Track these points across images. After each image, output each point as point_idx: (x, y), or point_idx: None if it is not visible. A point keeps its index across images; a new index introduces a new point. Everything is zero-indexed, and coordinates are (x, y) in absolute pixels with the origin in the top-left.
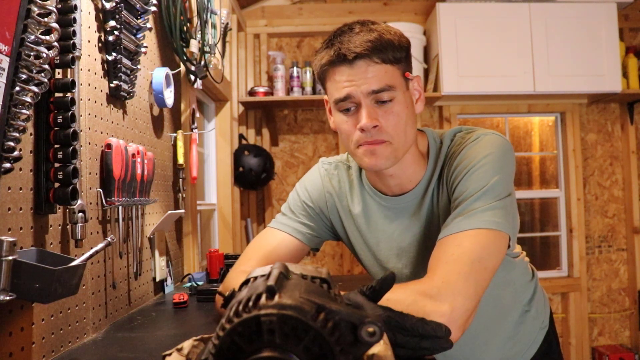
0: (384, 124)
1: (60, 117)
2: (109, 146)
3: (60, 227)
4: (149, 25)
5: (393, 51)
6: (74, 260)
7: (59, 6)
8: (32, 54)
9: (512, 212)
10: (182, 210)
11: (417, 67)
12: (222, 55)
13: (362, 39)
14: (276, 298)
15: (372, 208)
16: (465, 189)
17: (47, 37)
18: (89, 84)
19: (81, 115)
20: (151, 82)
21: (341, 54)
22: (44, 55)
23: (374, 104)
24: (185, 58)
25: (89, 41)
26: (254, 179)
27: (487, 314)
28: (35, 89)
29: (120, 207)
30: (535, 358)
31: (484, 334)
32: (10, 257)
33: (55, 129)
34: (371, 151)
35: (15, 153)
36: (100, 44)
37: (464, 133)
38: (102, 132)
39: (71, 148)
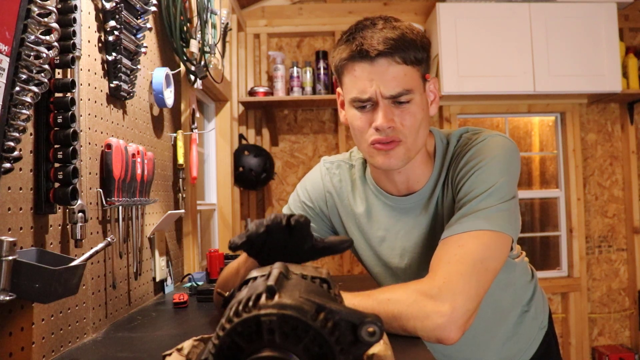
0: (399, 123)
1: (60, 117)
2: (109, 146)
3: (60, 227)
4: (149, 25)
5: (415, 51)
6: (74, 260)
7: (59, 6)
8: (32, 54)
9: (515, 214)
10: (182, 210)
11: None
12: (222, 55)
13: (385, 36)
14: (276, 298)
15: (377, 207)
16: (471, 189)
17: (47, 37)
18: (89, 84)
19: (81, 115)
20: (151, 82)
21: (363, 50)
22: (44, 55)
23: (391, 105)
24: (185, 58)
25: (89, 41)
26: (254, 179)
27: (487, 315)
28: (35, 89)
29: (120, 207)
30: (534, 358)
31: (483, 334)
32: (10, 257)
33: (55, 129)
34: (385, 152)
35: (15, 153)
36: (100, 44)
37: (470, 134)
38: (102, 132)
39: (71, 148)
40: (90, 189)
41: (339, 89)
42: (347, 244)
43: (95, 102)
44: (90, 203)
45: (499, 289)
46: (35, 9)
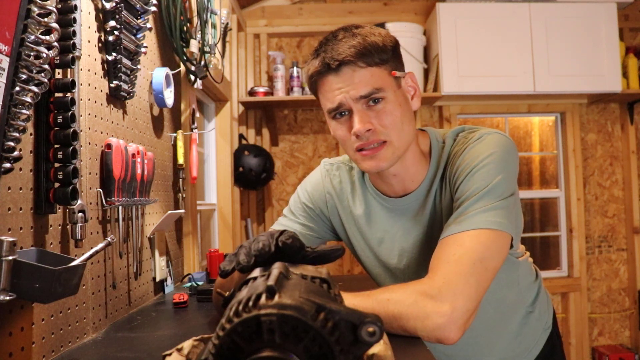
0: (378, 124)
1: (60, 117)
2: (109, 146)
3: (60, 227)
4: (149, 25)
5: (378, 53)
6: (74, 260)
7: (59, 6)
8: (32, 54)
9: (515, 212)
10: (182, 210)
11: (417, 67)
12: (222, 55)
13: (345, 46)
14: (276, 298)
15: (375, 209)
16: (468, 188)
17: (47, 37)
18: (89, 84)
19: (81, 115)
20: (151, 82)
21: (325, 64)
22: (44, 55)
23: (366, 108)
24: (185, 58)
25: (89, 41)
26: (254, 179)
27: (491, 315)
28: (35, 89)
29: (120, 207)
30: (538, 359)
31: (487, 334)
32: (10, 257)
33: (55, 129)
34: (371, 156)
35: (15, 153)
36: (100, 44)
37: (466, 132)
38: (102, 132)
39: (71, 148)
40: (90, 189)
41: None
42: (338, 252)
43: (95, 102)
44: (90, 203)
45: (501, 288)
46: (35, 9)
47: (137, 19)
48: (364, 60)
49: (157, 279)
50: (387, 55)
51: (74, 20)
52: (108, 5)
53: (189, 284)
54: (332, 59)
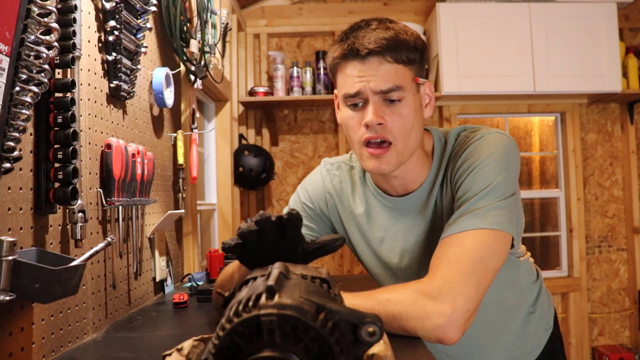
0: (389, 123)
1: (60, 117)
2: (109, 146)
3: (60, 227)
4: (149, 25)
5: (407, 52)
6: (74, 260)
7: (59, 6)
8: (32, 54)
9: (516, 212)
10: (182, 210)
11: None
12: (222, 55)
13: (377, 36)
14: (276, 298)
15: (376, 208)
16: (469, 188)
17: (47, 37)
18: (89, 84)
19: (81, 115)
20: (151, 82)
21: (354, 49)
22: (44, 55)
23: (382, 102)
24: (185, 58)
25: (89, 41)
26: (254, 179)
27: (492, 315)
28: (35, 89)
29: (120, 207)
30: (539, 359)
31: (488, 335)
32: (10, 257)
33: (55, 129)
34: (376, 157)
35: (15, 153)
36: (100, 44)
37: (468, 132)
38: (102, 132)
39: (71, 148)
40: (90, 189)
41: (335, 90)
42: (339, 242)
43: (95, 102)
44: (90, 203)
45: (502, 287)
46: (35, 9)
47: (137, 19)
48: (393, 55)
49: (157, 279)
50: (415, 56)
51: (74, 20)
52: (108, 5)
53: (189, 284)
54: (362, 46)
